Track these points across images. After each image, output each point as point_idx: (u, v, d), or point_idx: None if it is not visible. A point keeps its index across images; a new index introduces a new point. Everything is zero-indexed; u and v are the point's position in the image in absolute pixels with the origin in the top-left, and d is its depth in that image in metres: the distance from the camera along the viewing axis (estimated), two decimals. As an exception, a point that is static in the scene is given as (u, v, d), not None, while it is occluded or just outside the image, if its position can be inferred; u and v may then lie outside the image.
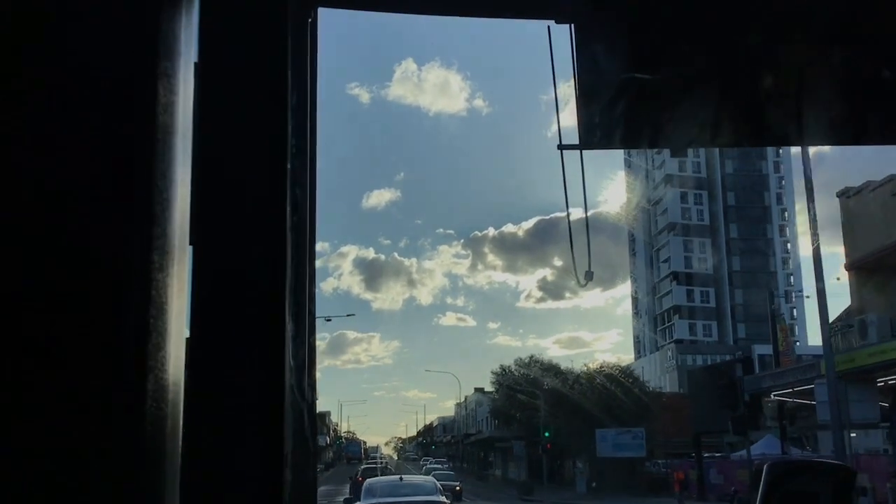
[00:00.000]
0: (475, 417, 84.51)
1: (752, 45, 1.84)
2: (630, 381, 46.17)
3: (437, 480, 39.17)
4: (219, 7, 1.08)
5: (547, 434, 44.08)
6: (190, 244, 0.88)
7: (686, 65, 1.88)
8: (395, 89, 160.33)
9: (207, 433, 1.00)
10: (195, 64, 0.89)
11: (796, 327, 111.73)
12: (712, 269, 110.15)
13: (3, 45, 0.78)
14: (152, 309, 0.77)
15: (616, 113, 1.97)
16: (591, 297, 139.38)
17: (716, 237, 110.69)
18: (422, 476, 28.60)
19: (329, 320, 51.59)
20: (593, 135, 1.93)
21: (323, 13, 1.51)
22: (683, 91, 1.91)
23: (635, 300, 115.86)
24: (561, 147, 1.96)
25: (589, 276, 2.26)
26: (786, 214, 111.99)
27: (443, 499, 19.58)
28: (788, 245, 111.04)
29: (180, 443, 0.82)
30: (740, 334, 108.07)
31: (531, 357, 56.63)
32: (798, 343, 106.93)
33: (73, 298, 0.74)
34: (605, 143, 2.00)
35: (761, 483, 1.96)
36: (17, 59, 0.78)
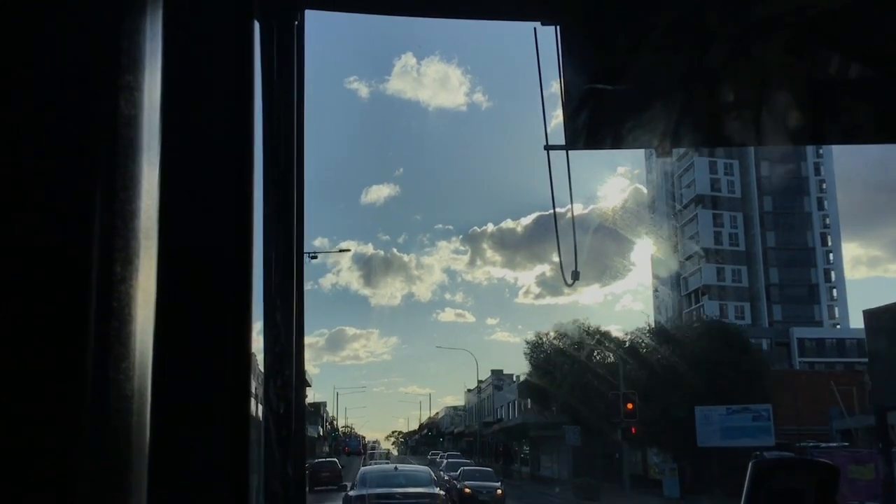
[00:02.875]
0: (492, 405, 74.44)
1: (732, 43, 1.88)
2: (738, 345, 34.90)
3: (472, 480, 29.65)
4: (183, 17, 1.11)
5: (631, 406, 29.86)
6: (156, 255, 0.89)
7: (672, 65, 1.93)
8: (395, 83, 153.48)
9: (173, 444, 1.04)
10: (161, 75, 0.90)
11: (836, 308, 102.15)
12: (744, 246, 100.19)
13: None
14: (113, 320, 0.77)
15: (601, 114, 1.99)
16: (590, 294, 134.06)
17: (748, 210, 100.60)
18: (416, 466, 27.10)
19: (315, 258, 44.88)
20: (579, 135, 1.98)
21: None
22: (670, 91, 1.95)
23: (655, 280, 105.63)
24: (547, 147, 2.01)
25: (575, 275, 2.27)
26: (824, 186, 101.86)
27: (437, 490, 18.88)
28: (828, 220, 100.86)
29: (146, 453, 0.83)
30: (776, 316, 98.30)
31: (574, 321, 45.85)
32: (839, 326, 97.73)
33: (31, 311, 0.73)
34: (591, 144, 2.05)
35: (747, 479, 2.01)
36: None
